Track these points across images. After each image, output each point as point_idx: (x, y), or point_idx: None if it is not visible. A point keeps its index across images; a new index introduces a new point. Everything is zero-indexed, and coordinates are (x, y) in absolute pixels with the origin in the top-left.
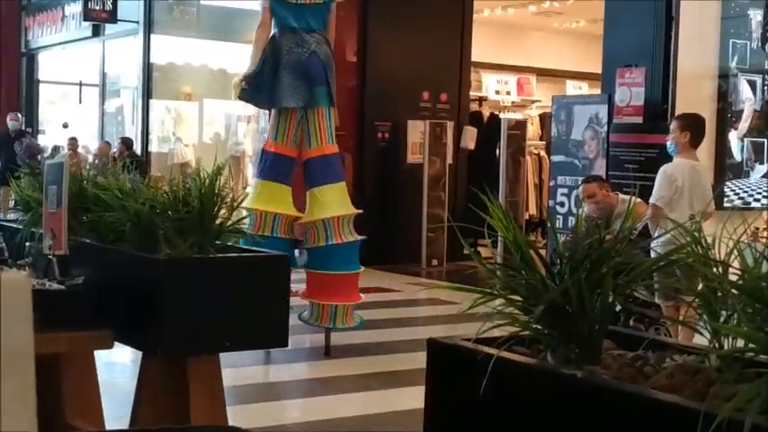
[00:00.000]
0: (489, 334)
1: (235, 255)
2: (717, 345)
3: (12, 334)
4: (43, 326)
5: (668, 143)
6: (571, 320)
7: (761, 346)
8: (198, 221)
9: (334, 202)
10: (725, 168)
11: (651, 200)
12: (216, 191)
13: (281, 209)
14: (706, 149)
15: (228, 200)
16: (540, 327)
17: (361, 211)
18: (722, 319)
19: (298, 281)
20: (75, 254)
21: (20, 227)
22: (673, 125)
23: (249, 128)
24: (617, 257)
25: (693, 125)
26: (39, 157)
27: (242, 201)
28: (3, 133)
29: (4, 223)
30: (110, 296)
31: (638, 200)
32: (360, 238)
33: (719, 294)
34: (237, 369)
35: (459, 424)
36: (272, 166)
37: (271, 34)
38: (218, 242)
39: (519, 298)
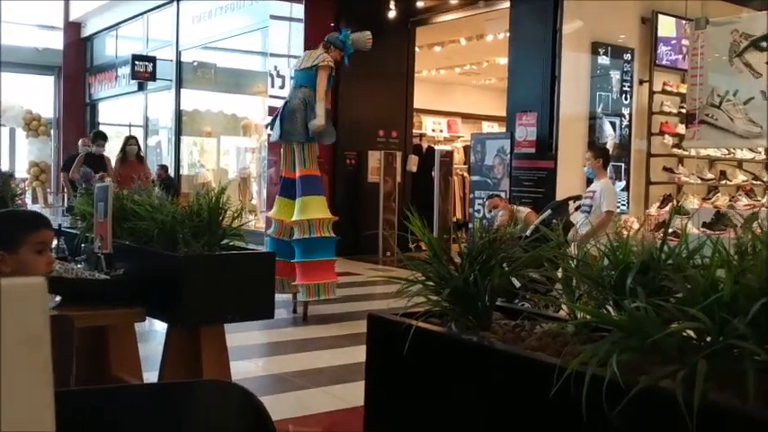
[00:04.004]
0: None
1: (234, 252)
2: (572, 316)
3: (34, 323)
4: (94, 305)
5: (586, 168)
6: (469, 299)
7: (600, 318)
8: (207, 228)
9: (315, 208)
10: None
11: (605, 208)
12: (220, 205)
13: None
14: (581, 171)
15: (232, 211)
16: (447, 304)
17: (337, 218)
18: (576, 299)
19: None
20: (118, 252)
21: (77, 232)
22: (588, 155)
23: (254, 156)
24: (502, 254)
25: (602, 153)
26: (91, 181)
27: (245, 210)
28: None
29: (66, 229)
30: (143, 283)
31: (529, 210)
32: (336, 237)
33: (574, 281)
34: (244, 333)
35: (390, 374)
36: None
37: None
38: (226, 242)
39: (432, 283)
